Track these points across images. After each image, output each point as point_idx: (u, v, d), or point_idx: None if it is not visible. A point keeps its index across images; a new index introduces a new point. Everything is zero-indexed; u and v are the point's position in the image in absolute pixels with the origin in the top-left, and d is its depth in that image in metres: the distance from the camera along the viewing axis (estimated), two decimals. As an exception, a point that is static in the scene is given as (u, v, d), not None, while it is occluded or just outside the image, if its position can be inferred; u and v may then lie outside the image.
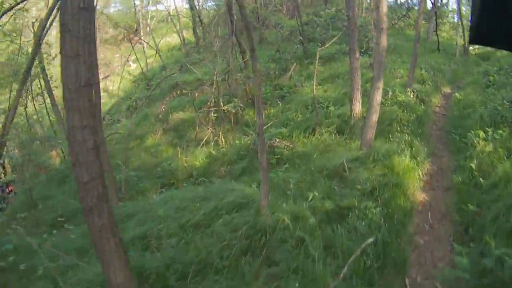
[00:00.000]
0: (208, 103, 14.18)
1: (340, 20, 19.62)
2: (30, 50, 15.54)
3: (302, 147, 10.86)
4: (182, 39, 25.59)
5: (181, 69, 19.90)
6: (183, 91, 15.11)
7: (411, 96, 13.25)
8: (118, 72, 28.01)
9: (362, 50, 16.84)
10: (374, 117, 9.10)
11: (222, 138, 13.04)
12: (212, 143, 12.93)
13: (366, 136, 9.09)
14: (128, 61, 27.84)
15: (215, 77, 13.52)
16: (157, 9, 31.08)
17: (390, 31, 15.65)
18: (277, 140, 11.25)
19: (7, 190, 14.58)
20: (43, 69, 15.85)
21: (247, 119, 14.04)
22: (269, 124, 11.98)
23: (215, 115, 13.91)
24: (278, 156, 10.57)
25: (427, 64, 17.44)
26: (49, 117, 19.85)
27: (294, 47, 18.72)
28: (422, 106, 12.98)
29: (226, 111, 13.85)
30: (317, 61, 12.94)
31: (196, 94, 14.10)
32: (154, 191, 11.86)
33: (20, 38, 17.04)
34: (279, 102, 14.84)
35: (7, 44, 16.65)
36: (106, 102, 27.41)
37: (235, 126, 14.11)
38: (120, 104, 22.33)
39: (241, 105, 13.96)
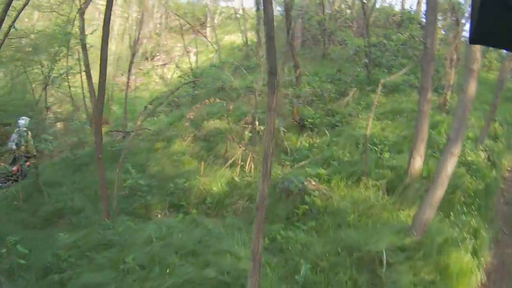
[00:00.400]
0: (246, 117, 11.91)
1: (411, 48, 16.74)
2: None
3: (340, 199, 8.43)
4: (245, 39, 23.69)
5: (235, 71, 17.85)
6: (215, 98, 12.86)
7: (482, 156, 10.50)
8: (177, 62, 26.31)
9: (432, 88, 14.07)
10: (439, 193, 6.37)
11: (251, 163, 10.70)
12: (238, 166, 10.64)
13: (422, 217, 6.34)
14: (190, 52, 26.35)
15: (255, 88, 11.28)
16: (227, 6, 29.25)
17: (461, 70, 12.72)
18: (313, 182, 8.86)
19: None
20: (84, 46, 14.24)
21: (287, 145, 11.61)
22: (307, 161, 9.64)
23: (250, 133, 11.61)
24: (308, 206, 8.17)
25: (501, 117, 14.41)
26: (84, 98, 18.22)
27: (357, 69, 16.11)
28: (493, 171, 10.22)
29: (262, 132, 11.53)
30: (379, 91, 10.42)
31: (231, 107, 11.84)
32: (160, 209, 9.80)
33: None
34: (327, 131, 12.12)
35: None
36: (160, 89, 25.90)
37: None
38: (167, 96, 20.43)
39: (283, 128, 11.56)
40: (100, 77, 8.21)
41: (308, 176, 9.05)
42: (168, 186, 10.31)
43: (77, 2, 14.13)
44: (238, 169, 10.48)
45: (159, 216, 9.61)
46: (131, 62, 17.99)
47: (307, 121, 12.52)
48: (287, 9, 13.83)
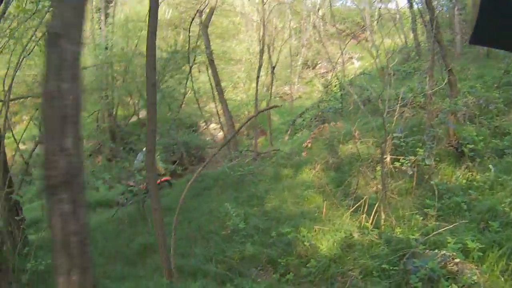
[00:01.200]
0: (384, 143, 8.40)
1: None
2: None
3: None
4: (404, 40, 19.78)
5: (393, 77, 14.24)
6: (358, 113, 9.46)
7: None
8: (340, 69, 23.41)
9: None
10: None
11: (381, 212, 7.35)
12: (363, 215, 7.39)
13: None
14: (352, 58, 23.35)
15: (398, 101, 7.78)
16: (386, 7, 25.19)
17: None
18: (456, 260, 5.33)
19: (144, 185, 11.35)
20: (211, 62, 12.48)
21: (434, 184, 7.84)
22: (450, 226, 5.99)
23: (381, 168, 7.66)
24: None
25: None
26: (221, 125, 16.46)
27: (527, 67, 10.83)
28: None
29: (398, 165, 8.01)
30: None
31: (356, 133, 8.42)
32: (256, 263, 7.17)
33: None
34: (491, 166, 7.61)
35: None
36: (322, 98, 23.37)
37: (416, 187, 8.18)
38: (323, 106, 17.58)
39: (428, 161, 7.87)
40: (148, 103, 5.77)
41: (448, 251, 5.52)
42: (272, 233, 7.69)
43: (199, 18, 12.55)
44: (362, 218, 7.29)
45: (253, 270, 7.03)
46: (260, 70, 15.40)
47: (465, 146, 8.44)
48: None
